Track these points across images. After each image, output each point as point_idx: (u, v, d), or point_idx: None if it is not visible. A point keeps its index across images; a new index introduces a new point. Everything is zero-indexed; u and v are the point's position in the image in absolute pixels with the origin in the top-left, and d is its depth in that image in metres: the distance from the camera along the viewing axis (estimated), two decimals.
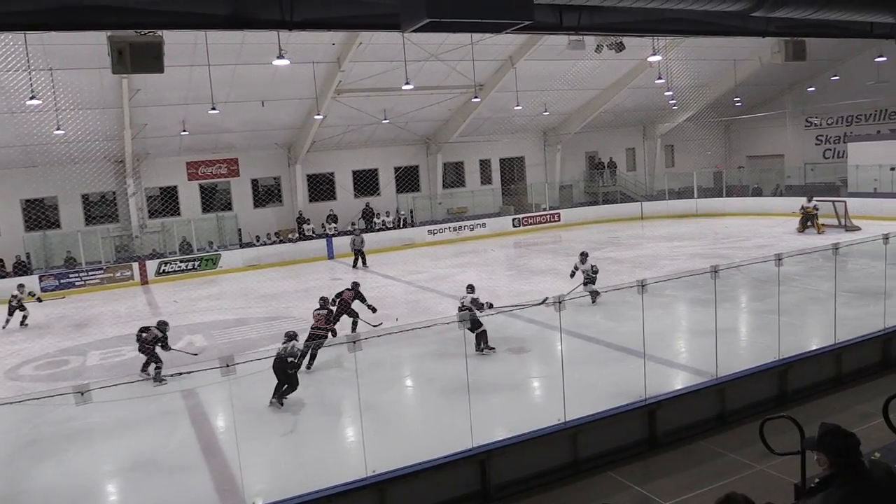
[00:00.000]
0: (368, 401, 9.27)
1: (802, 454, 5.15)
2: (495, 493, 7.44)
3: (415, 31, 6.04)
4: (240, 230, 28.69)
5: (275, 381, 10.59)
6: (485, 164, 35.05)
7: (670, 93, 30.59)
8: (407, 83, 21.79)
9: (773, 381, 9.42)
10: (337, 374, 12.13)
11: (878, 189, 29.29)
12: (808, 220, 25.25)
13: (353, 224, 30.10)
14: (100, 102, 22.30)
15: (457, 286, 20.03)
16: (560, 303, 8.05)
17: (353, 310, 14.88)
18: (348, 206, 31.14)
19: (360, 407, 7.65)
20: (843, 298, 11.53)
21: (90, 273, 24.56)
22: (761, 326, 12.62)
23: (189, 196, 28.53)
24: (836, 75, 32.49)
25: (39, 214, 25.95)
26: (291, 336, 11.02)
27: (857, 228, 24.35)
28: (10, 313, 18.69)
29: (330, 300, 14.27)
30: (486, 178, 35.20)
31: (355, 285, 15.44)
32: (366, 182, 32.05)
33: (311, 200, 30.66)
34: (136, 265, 25.29)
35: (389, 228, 30.31)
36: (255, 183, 30.14)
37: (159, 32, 9.21)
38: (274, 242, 28.38)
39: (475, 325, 12.07)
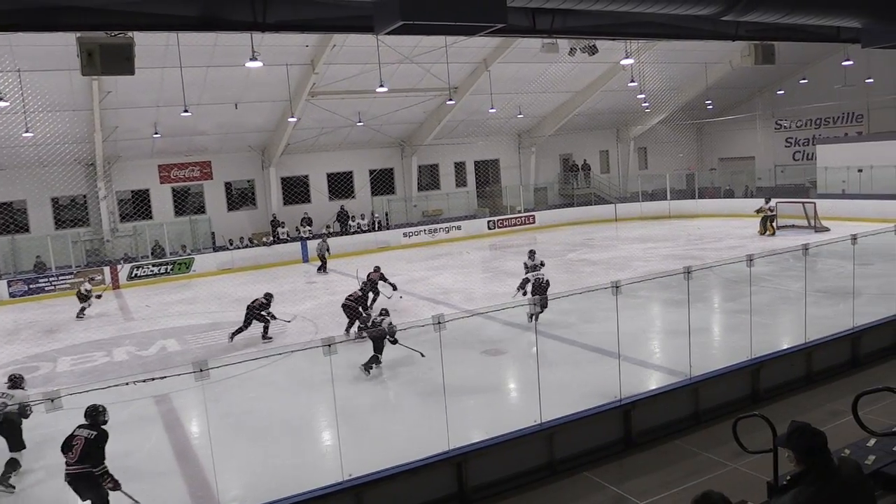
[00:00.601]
0: (345, 404, 9.24)
1: (774, 452, 5.21)
2: (472, 494, 7.44)
3: (389, 33, 6.03)
4: (213, 233, 28.43)
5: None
6: (460, 167, 35.10)
7: (643, 95, 30.88)
8: (381, 85, 21.75)
9: (745, 380, 9.54)
10: (312, 378, 12.05)
11: (847, 190, 29.81)
12: (766, 222, 25.71)
13: (327, 227, 29.99)
14: (69, 104, 21.99)
15: (432, 289, 20.07)
16: (536, 304, 8.08)
17: (377, 288, 17.72)
18: (323, 209, 31.01)
19: (335, 411, 7.61)
20: (813, 298, 11.69)
21: (60, 278, 24.16)
22: (734, 326, 12.79)
23: (161, 199, 28.21)
24: (804, 79, 33.05)
25: (7, 218, 25.50)
26: (385, 313, 12.67)
27: (827, 229, 24.76)
28: (82, 300, 20.04)
29: (360, 281, 17.21)
30: (461, 181, 35.25)
31: (378, 268, 18.28)
32: (340, 185, 31.94)
33: (285, 203, 30.49)
34: (107, 269, 24.93)
35: (364, 231, 30.23)
36: (228, 186, 29.90)
37: (130, 34, 9.10)
38: (248, 246, 28.18)
39: None
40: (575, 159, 37.54)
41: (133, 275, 25.23)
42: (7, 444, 8.92)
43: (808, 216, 26.01)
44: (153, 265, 25.70)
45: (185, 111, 21.33)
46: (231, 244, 27.96)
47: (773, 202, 26.17)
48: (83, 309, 19.97)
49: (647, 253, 22.29)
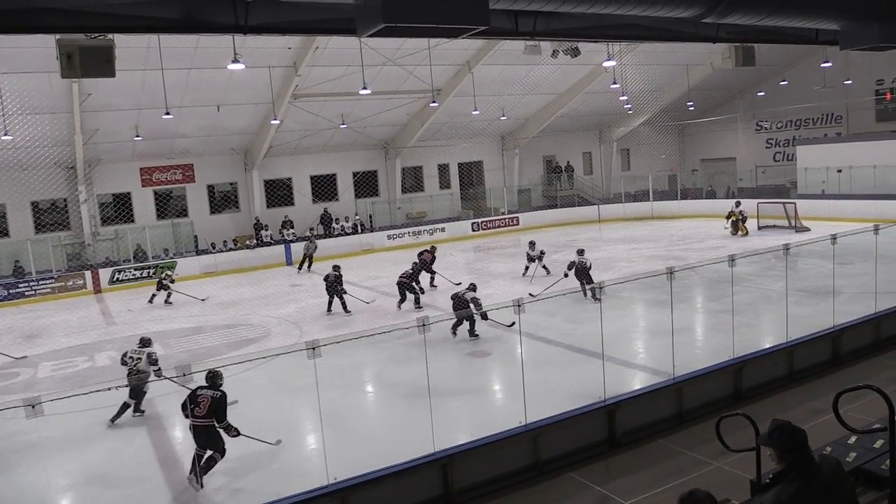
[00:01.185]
0: (329, 407, 9.21)
1: (757, 451, 5.27)
2: (458, 496, 7.44)
3: (371, 35, 6.03)
4: (196, 237, 28.24)
5: None
6: (443, 169, 35.11)
7: (625, 97, 31.04)
8: (364, 88, 21.73)
9: (728, 379, 9.61)
10: (296, 380, 12.01)
11: (826, 191, 30.12)
12: (737, 223, 26.02)
13: (311, 230, 29.90)
14: (49, 107, 21.77)
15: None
16: (520, 306, 8.10)
17: (431, 268, 19.17)
18: (306, 212, 30.92)
19: (320, 413, 7.59)
20: (794, 297, 11.82)
21: (40, 282, 23.91)
22: (716, 326, 12.88)
23: (143, 202, 27.99)
24: (784, 80, 33.38)
25: None
26: (473, 287, 14.33)
27: (807, 229, 25.01)
28: (159, 288, 21.37)
29: (413, 262, 18.62)
30: (444, 183, 35.26)
31: (433, 248, 20.13)
32: (324, 187, 31.85)
33: (268, 206, 30.35)
34: (88, 274, 24.70)
35: (348, 234, 30.16)
36: (211, 189, 29.73)
37: (110, 36, 9.03)
38: (231, 249, 28.01)
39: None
40: (558, 161, 37.68)
41: (115, 279, 25.00)
42: (132, 394, 10.67)
43: (788, 216, 26.27)
44: (135, 269, 25.48)
45: (167, 114, 21.19)
46: (214, 247, 27.79)
47: (742, 205, 26.50)
48: (169, 295, 21.29)
49: (630, 254, 22.40)
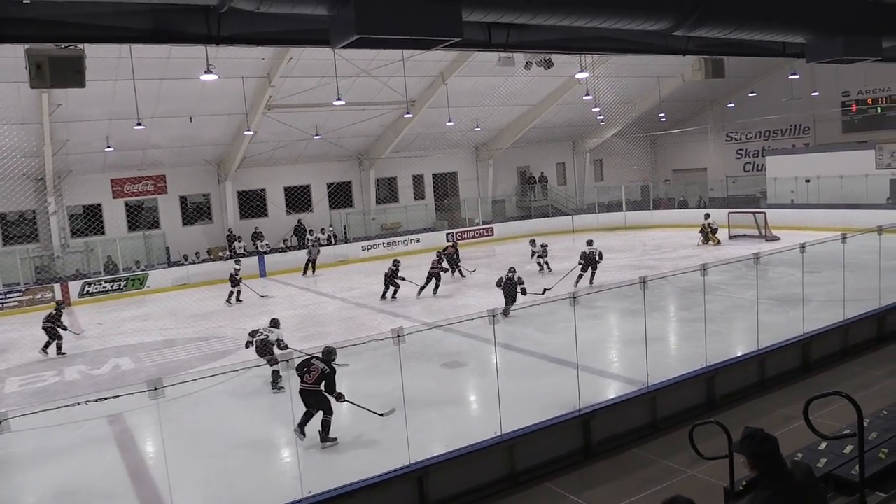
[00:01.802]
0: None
1: (730, 458, 5.31)
2: None
3: (345, 47, 6.02)
4: (168, 249, 27.93)
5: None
6: (418, 180, 35.14)
7: (598, 109, 31.33)
8: (338, 99, 21.70)
9: (701, 387, 9.69)
10: (271, 394, 11.91)
11: (795, 200, 30.64)
12: (708, 234, 26.41)
13: (284, 241, 29.71)
14: (18, 117, 21.45)
15: (391, 302, 19.99)
16: (494, 316, 8.11)
17: (454, 259, 21.72)
18: (280, 223, 30.74)
19: (294, 426, 7.53)
20: (764, 306, 11.96)
21: (8, 296, 23.48)
22: (689, 335, 13.00)
23: (114, 214, 27.64)
24: (753, 92, 33.94)
25: None
26: (513, 270, 16.76)
27: (777, 238, 25.38)
28: (234, 284, 21.98)
29: (436, 254, 21.40)
30: (419, 194, 35.29)
31: (455, 243, 23.73)
32: (298, 198, 31.70)
33: (242, 217, 30.14)
34: (57, 286, 24.27)
35: (322, 245, 30.00)
36: (183, 200, 29.45)
37: (80, 46, 8.92)
38: (204, 261, 27.72)
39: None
40: (532, 171, 37.90)
41: (85, 291, 24.62)
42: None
43: (758, 226, 26.66)
44: (106, 281, 25.12)
45: (139, 124, 20.97)
46: (186, 259, 27.49)
47: (711, 217, 26.91)
48: (239, 293, 21.96)
49: (603, 263, 22.46)
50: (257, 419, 11.03)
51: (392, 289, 20.14)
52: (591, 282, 19.50)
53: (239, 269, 22.62)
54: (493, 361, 8.94)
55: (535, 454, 8.10)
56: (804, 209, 28.69)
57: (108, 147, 24.56)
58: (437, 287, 20.25)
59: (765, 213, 27.33)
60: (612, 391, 10.28)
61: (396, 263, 20.58)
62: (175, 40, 7.13)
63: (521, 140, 34.96)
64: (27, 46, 8.63)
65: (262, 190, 30.91)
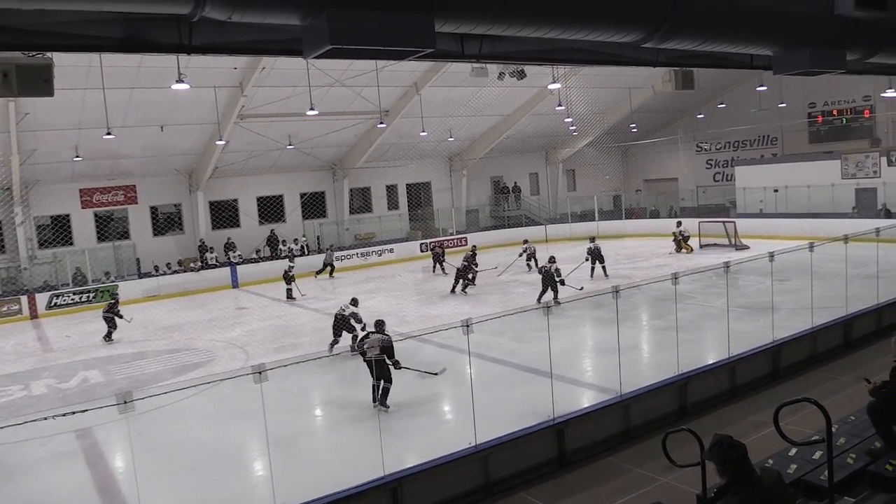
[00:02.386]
0: (276, 432, 9.04)
1: (702, 465, 5.35)
2: None
3: (317, 57, 6.00)
4: (138, 260, 27.56)
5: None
6: (391, 190, 35.13)
7: (570, 119, 31.61)
8: (312, 109, 21.63)
9: (673, 395, 9.76)
10: (243, 405, 11.77)
11: (764, 210, 31.14)
12: (681, 242, 26.76)
13: (257, 251, 29.49)
14: None
15: (365, 312, 19.86)
16: (468, 327, 8.11)
17: (474, 264, 22.63)
18: (253, 234, 30.52)
19: (267, 439, 7.46)
20: (735, 314, 12.10)
21: None
22: (661, 343, 13.11)
23: (83, 225, 27.23)
24: (722, 103, 34.48)
25: None
26: (553, 260, 18.42)
27: (746, 247, 25.74)
28: (289, 282, 23.21)
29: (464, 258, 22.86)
30: (392, 204, 35.26)
31: (475, 247, 24.63)
32: (271, 209, 31.50)
33: (213, 228, 29.87)
34: (24, 299, 23.82)
35: (296, 255, 29.80)
36: (154, 210, 29.13)
37: (49, 54, 8.81)
38: (175, 272, 27.39)
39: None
40: (505, 181, 38.07)
41: (52, 304, 24.19)
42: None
43: (728, 235, 27.03)
44: (74, 293, 24.71)
45: (108, 133, 20.74)
46: (157, 270, 27.15)
47: (683, 225, 27.25)
48: (290, 291, 23.02)
49: (576, 273, 22.58)
50: (230, 432, 10.90)
51: (462, 282, 21.64)
52: (593, 274, 22.44)
53: (293, 267, 24.08)
54: (468, 371, 8.94)
55: (510, 464, 8.10)
56: (772, 218, 29.18)
57: (77, 157, 24.22)
58: (465, 286, 21.68)
59: (734, 222, 27.72)
60: (585, 400, 10.32)
61: (474, 249, 23.68)
62: (146, 49, 7.05)
63: (495, 150, 35.12)
64: None
65: (235, 200, 30.69)
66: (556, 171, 39.54)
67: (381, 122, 27.43)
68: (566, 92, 28.29)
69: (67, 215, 26.99)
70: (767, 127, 34.84)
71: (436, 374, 11.29)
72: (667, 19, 6.61)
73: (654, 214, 36.24)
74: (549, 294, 18.19)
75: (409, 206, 35.74)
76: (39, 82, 8.43)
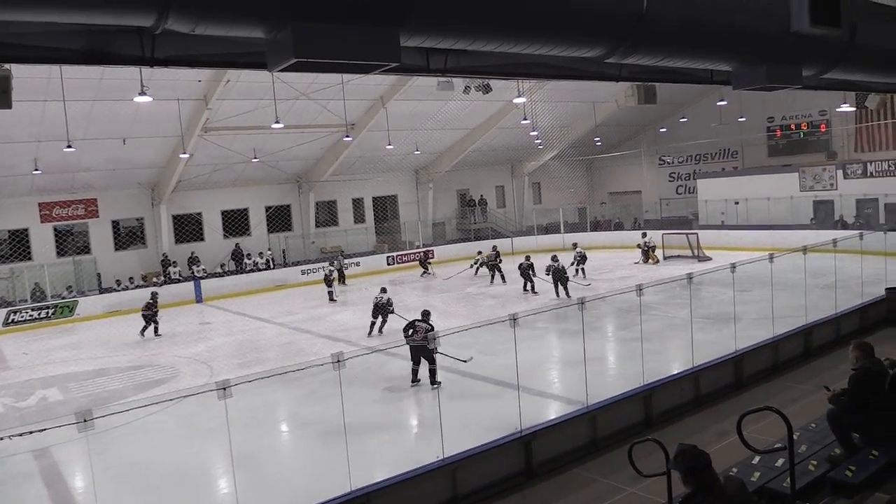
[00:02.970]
0: (241, 449, 8.92)
1: (668, 475, 5.40)
2: None
3: (282, 70, 5.98)
4: (99, 274, 27.05)
5: None
6: (358, 203, 35.02)
7: (535, 133, 31.87)
8: (277, 122, 21.52)
9: (639, 405, 9.85)
10: (207, 422, 11.60)
11: (725, 221, 31.69)
12: (647, 252, 27.17)
13: (221, 266, 29.15)
14: None
15: (332, 326, 19.79)
16: (436, 338, 8.11)
17: (497, 262, 25.26)
18: (217, 247, 30.16)
19: (232, 456, 7.35)
20: (698, 324, 12.27)
21: None
22: (627, 354, 13.24)
23: (42, 239, 26.63)
24: (684, 117, 35.10)
25: None
26: (556, 258, 20.98)
27: (709, 258, 26.16)
28: (329, 284, 24.50)
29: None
30: (359, 217, 35.15)
31: (495, 247, 26.93)
32: (235, 222, 31.19)
33: (177, 242, 29.44)
34: None
35: (260, 269, 29.54)
36: (116, 224, 28.63)
37: (7, 66, 8.65)
38: (138, 286, 26.90)
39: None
40: (472, 194, 38.21)
41: (10, 320, 23.60)
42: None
43: (691, 246, 27.46)
44: (32, 309, 24.15)
45: (69, 146, 20.36)
46: (119, 285, 26.67)
47: (649, 236, 27.65)
48: (331, 293, 24.20)
49: (543, 285, 22.74)
50: (193, 450, 10.72)
51: (531, 283, 22.47)
52: (578, 274, 24.02)
53: (333, 271, 25.45)
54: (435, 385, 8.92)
55: (478, 477, 8.08)
56: (734, 230, 29.69)
57: (36, 170, 23.70)
58: (534, 286, 22.47)
59: (697, 234, 28.18)
60: (552, 412, 10.37)
61: (528, 258, 23.14)
62: (108, 62, 6.96)
63: (461, 163, 35.25)
64: None
65: (199, 214, 30.31)
66: (521, 184, 39.81)
67: (348, 136, 27.38)
68: (531, 106, 28.54)
69: (26, 229, 26.41)
70: (728, 140, 35.52)
71: (465, 361, 12.88)
72: (629, 35, 6.71)
73: (619, 226, 36.66)
74: (561, 289, 20.47)
75: (375, 219, 35.66)
76: None
